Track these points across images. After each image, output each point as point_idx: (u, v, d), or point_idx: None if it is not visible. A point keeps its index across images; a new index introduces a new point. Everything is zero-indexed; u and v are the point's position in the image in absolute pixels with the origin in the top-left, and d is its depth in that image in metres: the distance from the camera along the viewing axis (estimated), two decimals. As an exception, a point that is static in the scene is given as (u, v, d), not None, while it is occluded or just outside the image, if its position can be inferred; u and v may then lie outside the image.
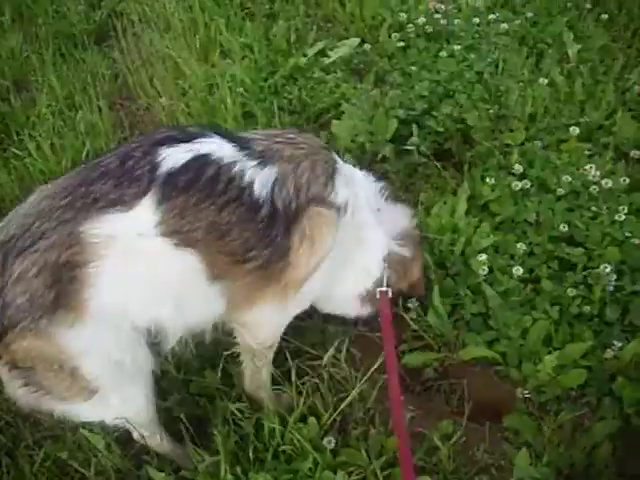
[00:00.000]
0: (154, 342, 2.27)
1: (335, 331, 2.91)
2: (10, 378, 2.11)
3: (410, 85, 3.60)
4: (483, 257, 2.87)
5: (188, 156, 2.09)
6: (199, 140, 2.16)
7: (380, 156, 3.39)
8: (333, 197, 2.28)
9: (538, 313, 2.80)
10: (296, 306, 2.48)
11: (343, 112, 3.50)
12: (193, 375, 2.75)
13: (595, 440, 2.58)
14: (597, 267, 2.87)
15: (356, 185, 2.45)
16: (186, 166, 2.06)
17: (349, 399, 2.59)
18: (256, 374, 2.63)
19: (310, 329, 2.90)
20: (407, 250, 2.65)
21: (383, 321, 2.48)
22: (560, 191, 3.11)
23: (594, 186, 3.09)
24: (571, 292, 2.84)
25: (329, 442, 2.48)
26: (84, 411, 2.26)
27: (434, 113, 3.40)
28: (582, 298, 2.85)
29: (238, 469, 2.42)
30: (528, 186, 3.14)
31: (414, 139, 3.31)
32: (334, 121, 3.44)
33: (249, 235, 2.13)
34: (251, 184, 2.13)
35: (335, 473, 2.42)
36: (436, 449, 2.53)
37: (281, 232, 2.18)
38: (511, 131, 3.43)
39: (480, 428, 2.69)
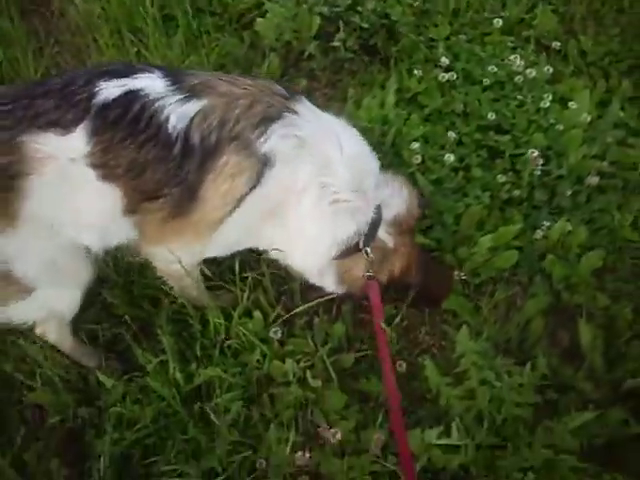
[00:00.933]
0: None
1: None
2: None
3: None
4: (416, 146, 2.89)
5: (120, 91, 2.05)
6: (137, 75, 2.10)
7: (306, 54, 3.34)
8: (260, 144, 2.11)
9: (470, 199, 2.88)
10: (209, 250, 2.39)
11: (266, 11, 3.41)
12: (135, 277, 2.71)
13: (528, 316, 2.70)
14: (524, 153, 2.95)
15: (325, 150, 2.22)
16: (116, 101, 2.04)
17: (293, 293, 2.60)
18: (184, 291, 2.58)
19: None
20: (390, 239, 2.45)
21: (376, 315, 2.34)
22: (486, 82, 3.16)
23: (519, 76, 3.16)
24: (500, 178, 2.92)
25: (275, 333, 2.51)
26: (21, 310, 2.26)
27: (358, 9, 3.35)
28: (511, 184, 2.94)
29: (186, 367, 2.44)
30: (455, 78, 3.17)
31: (340, 34, 3.26)
32: (258, 19, 3.35)
33: (161, 175, 2.09)
34: (166, 120, 2.06)
35: (284, 362, 2.46)
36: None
37: (194, 167, 2.09)
38: (435, 26, 3.43)
39: (420, 313, 2.77)
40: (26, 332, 2.55)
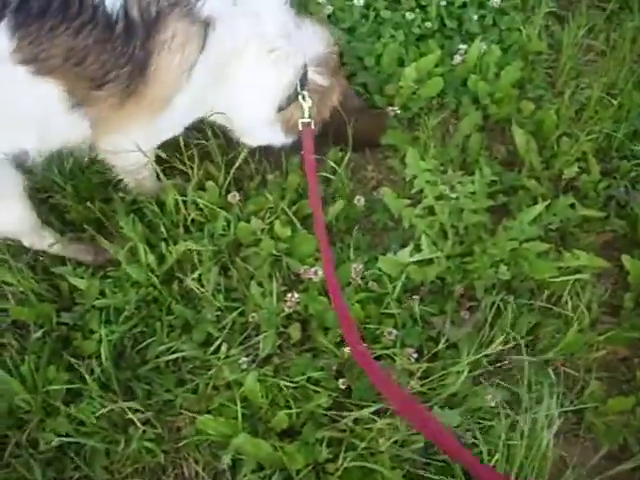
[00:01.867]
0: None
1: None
2: None
3: None
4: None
5: None
6: None
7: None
8: (199, 5, 2.04)
9: (385, 39, 2.94)
10: (164, 130, 2.38)
11: None
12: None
13: (464, 133, 2.84)
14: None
15: (256, 5, 2.22)
16: None
17: (241, 157, 2.60)
18: (141, 183, 2.57)
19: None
20: (322, 78, 2.47)
21: (306, 156, 2.37)
22: None
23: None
24: (409, 15, 2.99)
25: (233, 197, 2.53)
26: None
27: None
28: (421, 19, 3.01)
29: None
30: None
31: None
32: None
33: (106, 57, 1.98)
34: (102, 0, 1.94)
35: (249, 222, 2.50)
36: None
37: (139, 44, 2.00)
38: None
39: (362, 155, 2.86)
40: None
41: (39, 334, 2.38)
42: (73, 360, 2.32)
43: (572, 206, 2.64)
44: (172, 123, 2.35)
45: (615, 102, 2.86)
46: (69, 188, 2.62)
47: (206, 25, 2.07)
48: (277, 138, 2.56)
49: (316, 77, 2.46)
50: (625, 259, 2.57)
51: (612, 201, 2.76)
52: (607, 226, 2.70)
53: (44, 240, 2.51)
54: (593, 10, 3.31)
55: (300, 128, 2.45)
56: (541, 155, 2.82)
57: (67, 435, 2.17)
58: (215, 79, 2.25)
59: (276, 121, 2.49)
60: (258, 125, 2.50)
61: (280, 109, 2.44)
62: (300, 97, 2.42)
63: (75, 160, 2.61)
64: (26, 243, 2.51)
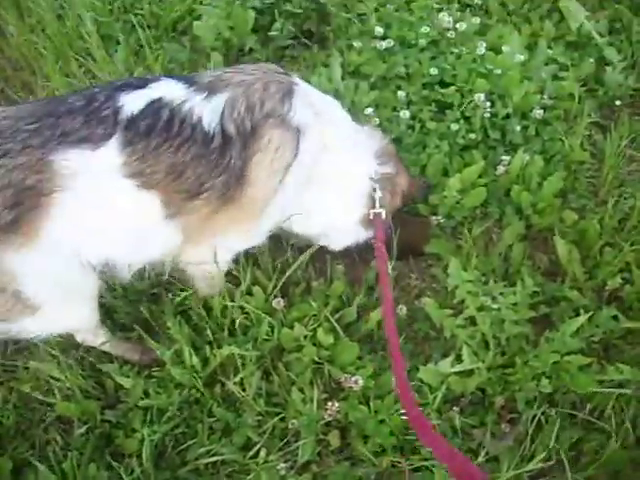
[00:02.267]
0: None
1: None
2: None
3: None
4: (370, 110, 3.04)
5: (144, 102, 2.13)
6: (151, 85, 2.20)
7: (247, 48, 3.46)
8: (291, 116, 2.27)
9: (431, 150, 3.03)
10: (255, 235, 2.51)
11: (200, 15, 3.52)
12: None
13: (507, 243, 2.87)
14: (471, 101, 3.12)
15: (327, 108, 2.45)
16: (143, 112, 2.11)
17: (293, 267, 2.70)
18: (210, 288, 2.65)
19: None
20: (389, 166, 2.62)
21: (377, 244, 2.48)
22: (421, 43, 3.31)
23: (450, 32, 3.33)
24: (454, 127, 3.08)
25: (278, 303, 2.60)
26: (28, 327, 2.27)
27: (288, -3, 3.51)
28: (465, 130, 3.10)
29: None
30: (392, 45, 3.32)
31: (276, 24, 3.40)
32: (194, 22, 3.46)
33: (202, 169, 2.17)
34: (200, 119, 2.17)
35: (292, 328, 2.55)
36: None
37: (235, 154, 2.21)
38: (360, 1, 3.59)
39: (406, 263, 2.91)
40: (34, 352, 2.60)
41: (83, 430, 2.46)
42: (113, 461, 2.36)
43: (615, 318, 2.63)
44: (260, 231, 2.49)
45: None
46: (119, 289, 2.70)
47: (298, 132, 2.27)
48: (361, 234, 2.68)
49: (382, 167, 2.60)
50: (672, 373, 2.53)
51: (658, 313, 2.72)
52: (652, 339, 2.67)
53: (97, 338, 2.59)
54: (636, 119, 3.35)
55: (372, 218, 2.56)
56: (584, 265, 2.82)
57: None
58: (305, 184, 2.42)
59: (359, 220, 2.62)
60: (352, 224, 2.64)
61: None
62: (372, 189, 2.56)
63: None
64: (79, 339, 2.59)
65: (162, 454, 2.45)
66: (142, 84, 2.20)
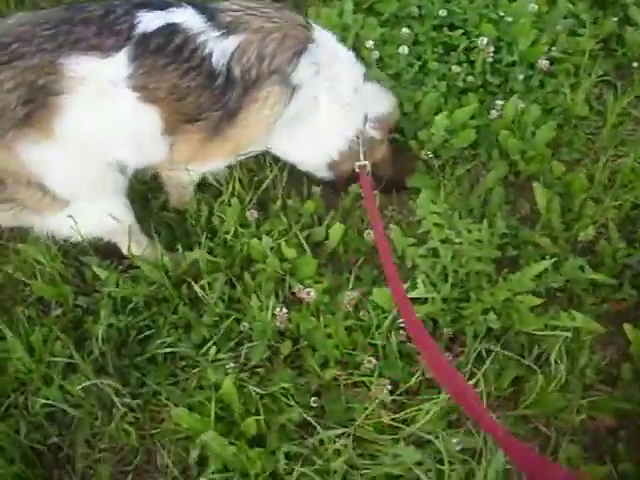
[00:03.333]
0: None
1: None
2: None
3: None
4: (370, 43, 3.08)
5: (160, 23, 2.25)
6: (172, 9, 2.31)
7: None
8: (293, 75, 2.40)
9: (428, 89, 3.06)
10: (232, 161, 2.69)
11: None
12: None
13: (488, 186, 2.89)
14: (477, 46, 3.13)
15: (335, 70, 2.54)
16: (158, 31, 2.24)
17: (265, 183, 2.84)
18: (181, 197, 2.84)
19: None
20: (377, 133, 2.76)
21: (367, 198, 2.60)
22: (437, -17, 3.32)
23: (467, -25, 3.32)
24: (456, 69, 3.10)
25: (252, 215, 2.71)
26: (63, 224, 2.44)
27: None
28: (466, 74, 3.11)
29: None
30: (408, -17, 3.33)
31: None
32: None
33: (203, 100, 2.32)
34: (210, 54, 2.29)
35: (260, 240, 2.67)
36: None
37: (234, 97, 2.35)
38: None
39: (388, 195, 2.98)
40: (26, 238, 2.78)
41: (58, 312, 2.63)
42: (80, 343, 2.53)
43: (581, 268, 2.63)
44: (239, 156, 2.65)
45: (646, 172, 2.83)
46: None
47: (293, 89, 2.42)
48: (321, 173, 2.84)
49: (371, 131, 2.73)
50: (627, 328, 2.54)
51: (628, 270, 2.71)
52: (618, 294, 2.66)
53: (140, 246, 2.73)
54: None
55: (357, 170, 2.66)
56: (564, 217, 2.82)
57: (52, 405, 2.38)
58: (289, 125, 2.56)
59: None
60: (319, 162, 2.79)
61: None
62: (357, 142, 2.68)
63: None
64: (124, 250, 2.70)
65: (125, 343, 2.60)
66: (163, 6, 2.31)
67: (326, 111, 2.58)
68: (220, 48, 2.31)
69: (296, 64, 2.40)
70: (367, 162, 2.65)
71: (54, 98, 2.14)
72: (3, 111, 2.10)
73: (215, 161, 2.61)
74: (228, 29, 2.33)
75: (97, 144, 2.30)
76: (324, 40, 2.53)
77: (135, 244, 2.68)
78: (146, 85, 2.24)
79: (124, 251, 2.70)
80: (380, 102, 2.77)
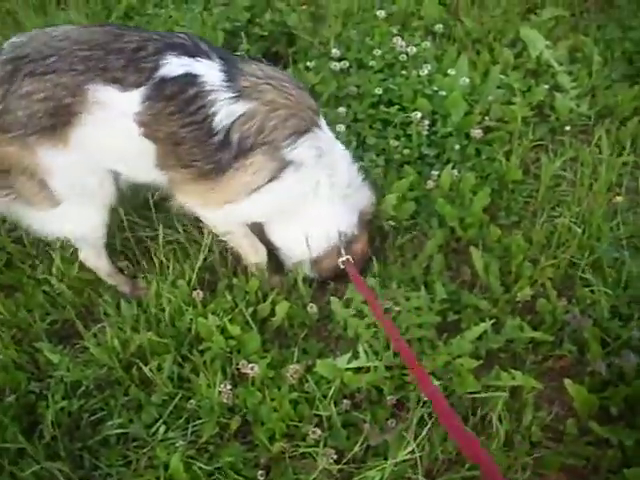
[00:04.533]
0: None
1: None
2: None
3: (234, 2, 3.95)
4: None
5: (182, 70, 2.46)
6: (200, 59, 2.50)
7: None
8: (289, 151, 2.55)
9: (366, 163, 3.19)
10: (233, 219, 2.82)
11: (176, 34, 3.80)
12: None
13: (428, 254, 2.98)
14: (411, 122, 3.28)
15: (334, 158, 2.70)
16: (176, 79, 2.46)
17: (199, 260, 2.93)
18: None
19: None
20: (356, 228, 2.88)
21: (360, 288, 2.68)
22: (375, 65, 3.51)
23: (402, 55, 3.51)
24: (393, 143, 3.24)
25: (197, 295, 2.80)
26: (47, 220, 2.71)
27: (258, 21, 3.75)
28: (403, 147, 3.26)
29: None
30: (347, 66, 3.52)
31: (243, 45, 3.65)
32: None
33: (197, 151, 2.53)
34: (215, 113, 2.47)
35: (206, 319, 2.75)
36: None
37: (227, 159, 2.54)
38: (329, 26, 3.81)
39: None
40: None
41: (11, 399, 2.67)
42: (32, 429, 2.57)
43: (521, 329, 2.71)
44: (236, 216, 2.79)
45: (579, 230, 2.93)
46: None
47: (287, 164, 2.56)
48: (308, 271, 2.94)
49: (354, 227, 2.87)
50: (568, 384, 2.58)
51: (567, 327, 2.78)
52: (558, 351, 2.73)
53: (100, 260, 2.96)
54: (580, 144, 3.44)
55: (342, 266, 2.80)
56: (504, 279, 2.91)
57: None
58: (288, 210, 2.74)
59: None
60: (305, 258, 2.88)
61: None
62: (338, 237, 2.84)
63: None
64: (82, 256, 2.95)
65: (77, 426, 2.64)
66: (193, 52, 2.50)
67: (326, 197, 2.72)
68: (226, 110, 2.48)
69: (294, 142, 2.54)
70: (349, 256, 2.79)
71: (76, 116, 2.44)
72: (30, 117, 2.42)
73: (208, 207, 2.74)
74: (241, 94, 2.50)
75: (101, 158, 2.60)
76: (325, 133, 2.68)
77: (93, 256, 2.93)
78: (150, 124, 2.48)
79: (81, 255, 2.95)
80: (363, 196, 2.89)
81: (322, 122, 2.67)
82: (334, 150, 2.70)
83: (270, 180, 2.59)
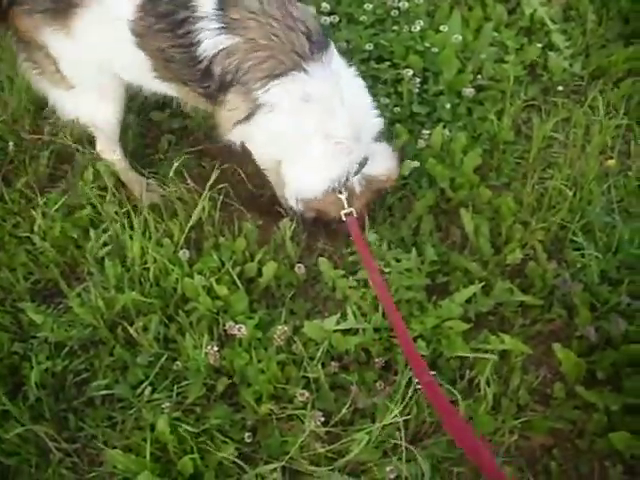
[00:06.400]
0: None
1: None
2: (18, 50, 2.76)
3: None
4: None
5: None
6: None
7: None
8: (261, 94, 2.48)
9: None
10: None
11: None
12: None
13: (418, 214, 2.95)
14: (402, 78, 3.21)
15: (332, 106, 2.54)
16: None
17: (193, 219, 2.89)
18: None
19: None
20: (359, 188, 2.78)
21: (359, 246, 2.60)
22: (366, 20, 3.41)
23: (394, 10, 3.42)
24: (384, 101, 3.17)
25: (184, 254, 2.75)
26: (64, 100, 2.85)
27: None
28: (394, 105, 3.19)
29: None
30: (337, 21, 3.42)
31: None
32: None
33: (186, 73, 2.55)
34: (199, 42, 2.43)
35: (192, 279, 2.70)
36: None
37: (213, 88, 2.53)
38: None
39: (320, 228, 3.02)
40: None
41: (-6, 360, 2.63)
42: (17, 390, 2.54)
43: (510, 292, 2.69)
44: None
45: (570, 193, 2.90)
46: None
47: (258, 107, 2.53)
48: (295, 204, 2.85)
49: (356, 183, 2.76)
50: (556, 348, 2.57)
51: (557, 290, 2.77)
52: (548, 315, 2.72)
53: (114, 154, 3.03)
54: (573, 104, 3.39)
55: (344, 219, 2.72)
56: (495, 241, 2.88)
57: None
58: (276, 148, 2.73)
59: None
60: (294, 192, 2.81)
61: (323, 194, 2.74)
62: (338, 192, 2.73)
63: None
64: (98, 147, 3.04)
65: (62, 388, 2.60)
66: None
67: (316, 143, 2.61)
68: (211, 41, 2.43)
69: (265, 84, 2.47)
70: (352, 209, 2.71)
71: (76, 7, 2.48)
72: None
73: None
74: (227, 27, 2.42)
75: (101, 52, 2.61)
76: (326, 72, 2.54)
77: (108, 149, 3.01)
78: (142, 35, 2.48)
79: (97, 147, 3.03)
80: (381, 164, 2.78)
81: (316, 66, 2.50)
82: (333, 98, 2.54)
83: (246, 119, 2.58)
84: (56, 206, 2.99)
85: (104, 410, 2.54)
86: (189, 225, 2.84)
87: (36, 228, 2.93)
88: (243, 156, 2.93)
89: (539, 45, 3.52)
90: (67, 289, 2.75)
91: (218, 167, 3.06)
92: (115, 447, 2.40)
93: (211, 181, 2.91)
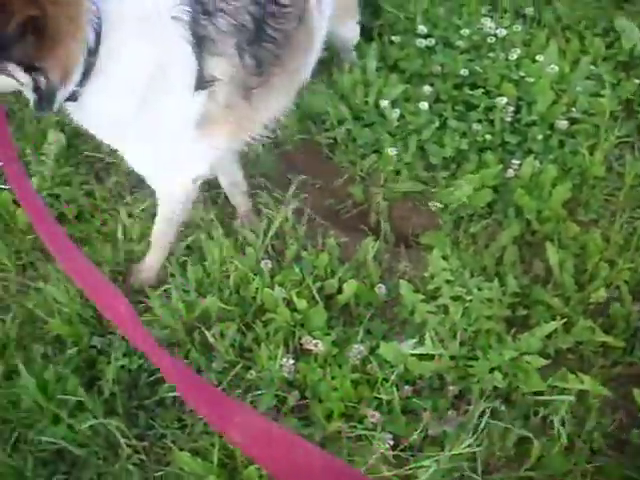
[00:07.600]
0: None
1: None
2: None
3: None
4: (385, 103, 3.15)
5: None
6: None
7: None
8: None
9: (447, 142, 3.11)
10: None
11: None
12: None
13: (502, 244, 2.91)
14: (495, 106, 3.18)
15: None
16: None
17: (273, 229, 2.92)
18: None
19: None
20: None
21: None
22: (462, 45, 3.40)
23: (491, 37, 3.39)
24: (476, 127, 3.15)
25: (266, 264, 2.77)
26: None
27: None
28: (485, 132, 3.16)
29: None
30: (433, 44, 3.42)
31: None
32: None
33: None
34: None
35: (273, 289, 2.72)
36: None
37: None
38: (416, 2, 3.70)
39: (401, 249, 3.01)
40: (47, 276, 2.87)
41: (73, 351, 2.69)
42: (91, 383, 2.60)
43: (592, 331, 2.63)
44: None
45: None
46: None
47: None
48: None
49: None
50: (636, 393, 2.51)
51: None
52: (629, 357, 2.65)
53: None
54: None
55: None
56: (578, 278, 2.82)
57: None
58: None
59: None
60: None
61: None
62: None
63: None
64: None
65: (135, 385, 2.65)
66: None
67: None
68: None
69: None
70: None
71: None
72: None
73: None
74: None
75: None
76: None
77: None
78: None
79: None
80: None
81: None
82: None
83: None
84: (142, 206, 3.04)
85: (174, 411, 2.57)
86: (269, 235, 2.85)
87: (119, 226, 2.99)
88: (327, 168, 2.94)
89: (637, 81, 3.44)
90: (149, 289, 2.79)
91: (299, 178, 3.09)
92: (182, 449, 2.42)
93: (291, 191, 2.94)
